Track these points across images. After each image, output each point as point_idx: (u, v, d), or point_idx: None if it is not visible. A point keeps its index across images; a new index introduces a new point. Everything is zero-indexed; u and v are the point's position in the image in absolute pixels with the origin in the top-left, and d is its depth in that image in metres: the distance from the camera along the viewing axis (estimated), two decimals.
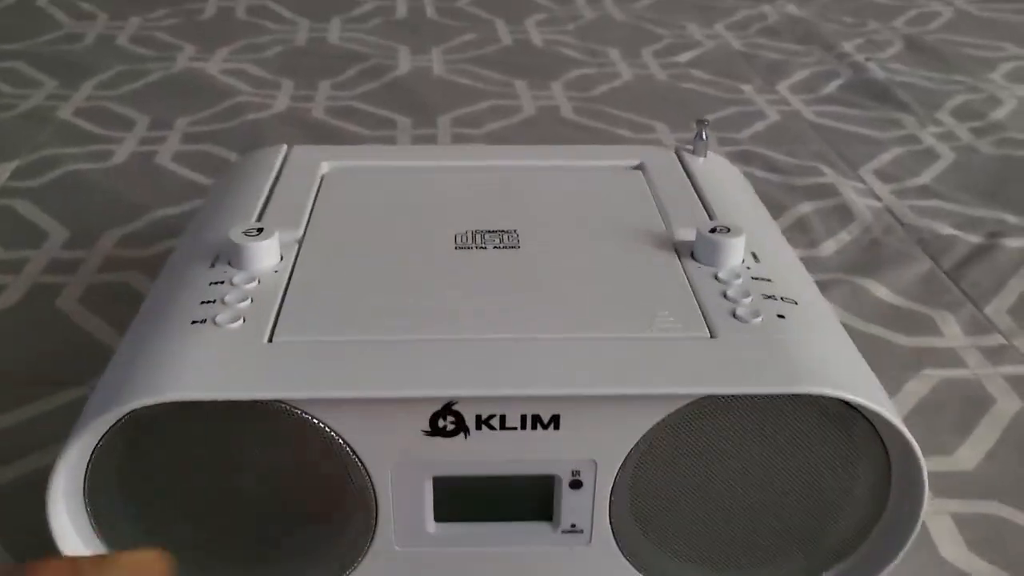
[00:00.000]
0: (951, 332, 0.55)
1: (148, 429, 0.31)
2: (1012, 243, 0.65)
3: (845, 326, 0.41)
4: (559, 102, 0.89)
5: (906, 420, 0.47)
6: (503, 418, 0.31)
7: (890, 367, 0.52)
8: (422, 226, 0.41)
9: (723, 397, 0.31)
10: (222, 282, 0.36)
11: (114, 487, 0.32)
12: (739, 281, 0.37)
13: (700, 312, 0.35)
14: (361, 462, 0.31)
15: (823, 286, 0.58)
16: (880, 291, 0.59)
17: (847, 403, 0.31)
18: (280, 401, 0.30)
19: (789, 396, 0.31)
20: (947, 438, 0.47)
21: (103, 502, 0.32)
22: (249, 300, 0.35)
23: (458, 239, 0.40)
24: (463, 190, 0.45)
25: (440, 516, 0.34)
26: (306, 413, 0.31)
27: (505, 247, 0.39)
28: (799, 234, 0.66)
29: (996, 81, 0.95)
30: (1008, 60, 1.01)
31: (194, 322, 0.33)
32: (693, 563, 0.34)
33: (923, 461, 0.32)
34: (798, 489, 0.33)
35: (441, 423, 0.31)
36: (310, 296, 0.35)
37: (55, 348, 0.52)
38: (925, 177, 0.75)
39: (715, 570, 0.35)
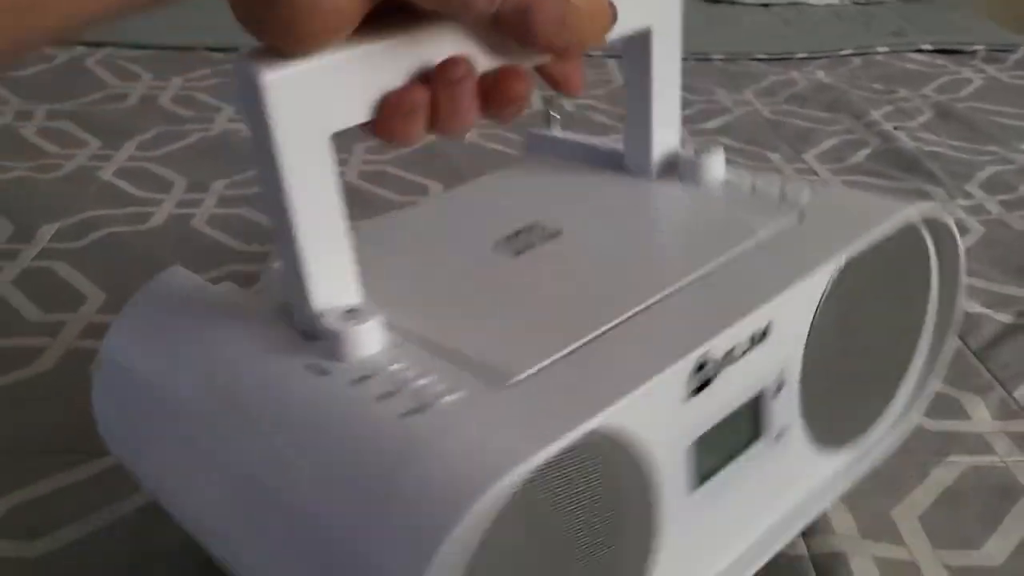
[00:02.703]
0: (979, 416, 0.55)
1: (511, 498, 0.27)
2: None
3: None
4: None
5: (930, 510, 0.47)
6: (731, 351, 0.34)
7: (915, 452, 0.51)
8: (472, 244, 0.41)
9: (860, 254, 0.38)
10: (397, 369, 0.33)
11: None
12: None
13: (776, 206, 0.41)
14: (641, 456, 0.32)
15: None
16: None
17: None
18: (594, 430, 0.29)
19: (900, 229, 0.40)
20: (974, 530, 0.46)
21: None
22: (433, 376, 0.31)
23: (499, 248, 0.40)
24: (480, 209, 0.45)
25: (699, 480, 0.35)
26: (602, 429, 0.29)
27: (549, 238, 0.40)
28: None
29: None
30: None
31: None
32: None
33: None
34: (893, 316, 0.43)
35: (697, 381, 0.33)
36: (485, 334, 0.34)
37: (88, 416, 0.53)
38: None
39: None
